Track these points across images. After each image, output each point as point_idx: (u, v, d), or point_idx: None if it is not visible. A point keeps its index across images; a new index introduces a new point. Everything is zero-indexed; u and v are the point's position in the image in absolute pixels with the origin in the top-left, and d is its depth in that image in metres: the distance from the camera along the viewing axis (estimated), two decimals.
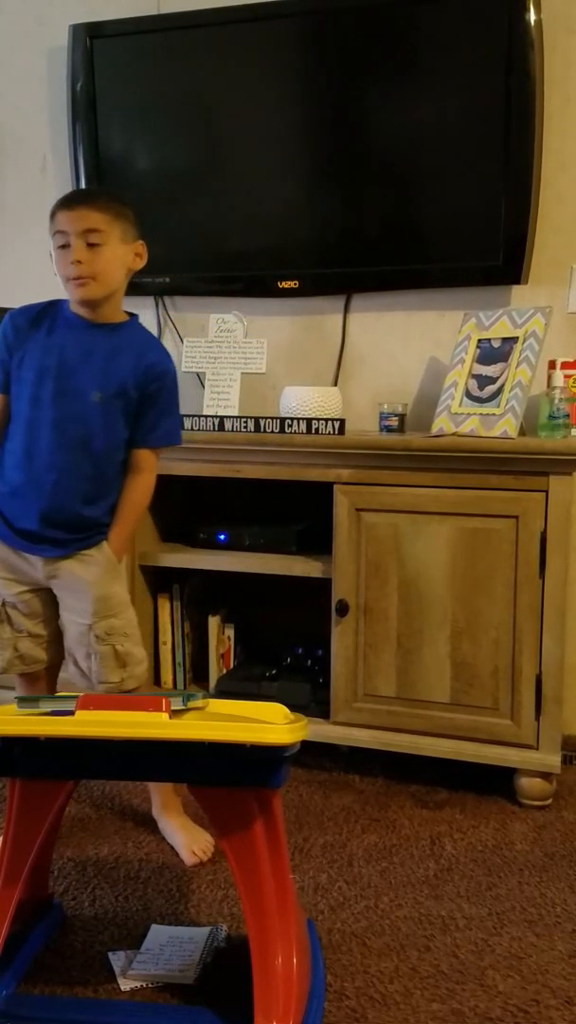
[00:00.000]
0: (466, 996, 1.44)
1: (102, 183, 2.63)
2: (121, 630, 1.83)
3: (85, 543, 1.81)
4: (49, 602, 1.86)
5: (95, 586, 1.80)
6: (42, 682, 1.92)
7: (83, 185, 2.65)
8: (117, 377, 1.77)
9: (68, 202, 1.76)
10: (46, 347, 1.78)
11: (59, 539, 1.79)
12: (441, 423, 2.25)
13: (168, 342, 2.60)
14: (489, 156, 2.30)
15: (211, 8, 2.49)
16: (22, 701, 1.38)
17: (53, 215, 1.75)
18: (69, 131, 2.66)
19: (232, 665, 2.51)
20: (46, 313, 1.82)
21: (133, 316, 1.86)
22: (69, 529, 1.79)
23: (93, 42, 2.58)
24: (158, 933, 1.59)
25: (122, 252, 1.76)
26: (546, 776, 2.09)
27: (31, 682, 1.92)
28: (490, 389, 2.19)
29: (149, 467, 1.85)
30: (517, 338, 2.18)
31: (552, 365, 2.27)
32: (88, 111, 2.62)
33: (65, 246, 1.73)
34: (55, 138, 2.76)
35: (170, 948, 1.55)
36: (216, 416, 2.27)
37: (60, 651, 1.90)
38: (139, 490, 1.85)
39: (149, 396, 1.79)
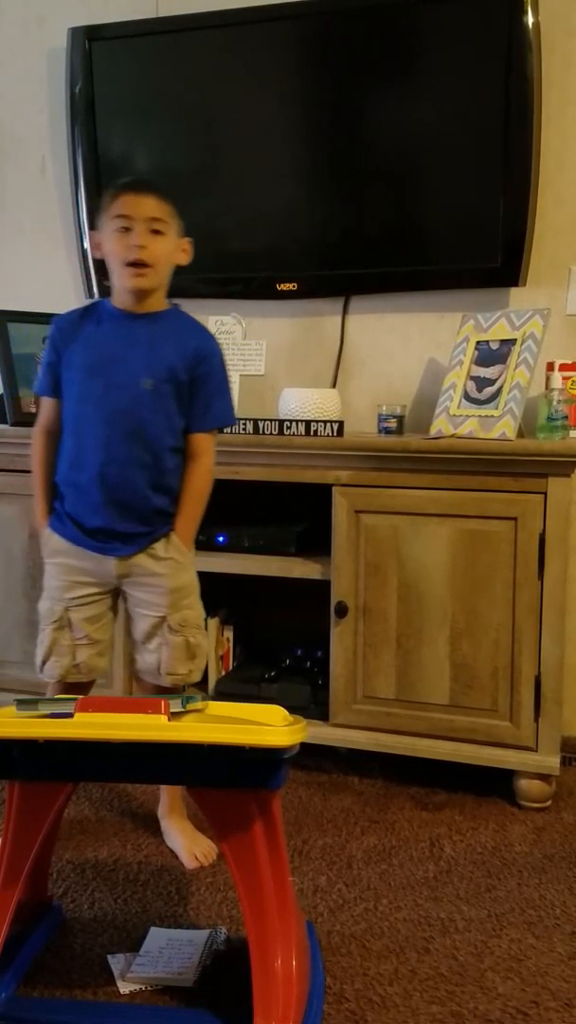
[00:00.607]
0: (465, 998, 1.44)
1: (101, 185, 2.63)
2: (194, 621, 1.84)
3: (154, 536, 1.81)
4: (113, 605, 1.87)
5: (169, 578, 1.81)
6: (86, 690, 1.90)
7: (82, 187, 2.65)
8: (165, 362, 1.77)
9: (134, 188, 1.75)
10: (92, 343, 1.79)
11: (130, 533, 1.78)
12: (440, 425, 2.25)
13: None
14: (488, 158, 2.30)
15: (209, 11, 2.50)
16: (21, 703, 1.38)
17: (114, 198, 1.74)
18: (68, 132, 2.66)
19: (231, 667, 2.51)
20: (89, 313, 1.83)
21: (175, 305, 1.86)
22: (140, 520, 1.79)
23: (92, 44, 2.58)
24: (157, 935, 1.59)
25: (175, 245, 1.79)
26: (545, 778, 2.09)
27: (74, 691, 1.85)
28: (489, 391, 2.19)
29: (206, 451, 1.84)
30: (515, 340, 2.18)
31: (550, 367, 2.27)
32: (87, 113, 2.62)
33: (126, 229, 1.73)
34: (54, 139, 2.76)
35: (169, 950, 1.54)
36: None
37: (109, 659, 1.90)
38: (200, 476, 1.84)
39: (198, 379, 1.80)
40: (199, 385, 1.80)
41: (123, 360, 1.77)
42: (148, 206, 1.72)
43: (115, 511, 1.77)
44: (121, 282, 1.77)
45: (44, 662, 1.84)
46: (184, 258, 1.82)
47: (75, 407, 1.79)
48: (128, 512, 1.78)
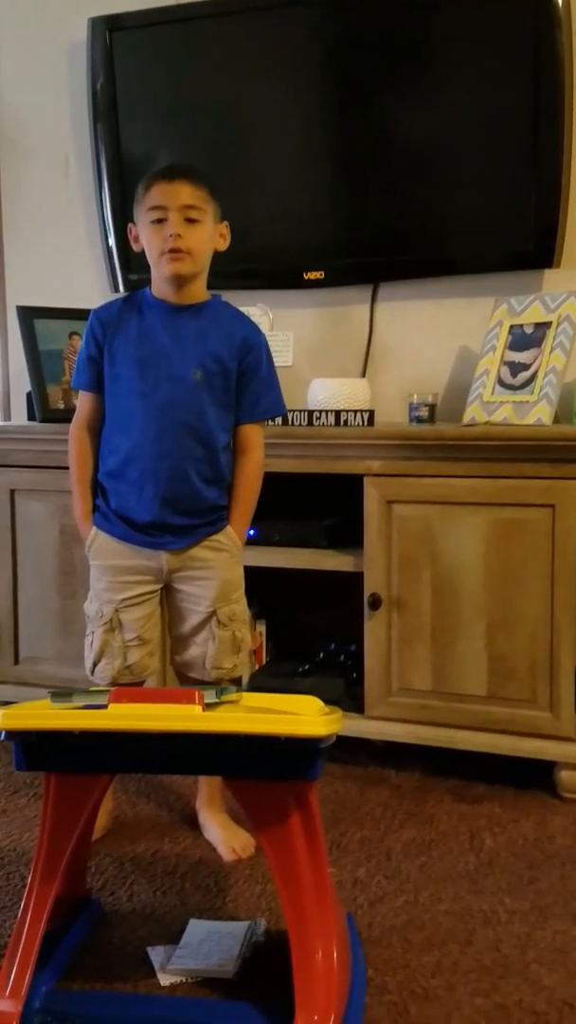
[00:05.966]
0: (510, 990, 1.42)
1: (125, 182, 2.62)
2: (241, 616, 1.84)
3: (211, 528, 1.80)
4: (160, 603, 1.85)
5: (223, 570, 1.80)
6: None
7: (105, 183, 2.65)
8: (214, 354, 1.76)
9: (166, 175, 1.73)
10: (139, 338, 1.77)
11: (182, 526, 1.78)
12: (473, 412, 2.22)
13: None
14: (518, 138, 2.27)
15: None
16: (55, 696, 1.37)
17: (148, 188, 1.72)
18: (91, 129, 2.66)
19: (264, 661, 2.50)
20: (129, 305, 1.81)
21: (216, 295, 1.84)
22: (191, 514, 1.78)
23: (112, 35, 2.58)
24: (197, 928, 1.58)
25: (213, 231, 1.76)
26: None
27: None
28: (523, 376, 2.16)
29: (256, 444, 1.83)
30: (550, 323, 2.14)
31: None
32: (109, 108, 2.62)
33: (161, 220, 1.71)
34: (77, 136, 2.75)
35: (209, 943, 1.53)
36: None
37: (159, 658, 1.89)
38: (252, 469, 1.84)
39: (247, 369, 1.79)
40: (248, 376, 1.79)
41: (173, 353, 1.75)
42: (182, 194, 1.70)
43: (168, 505, 1.76)
44: (159, 270, 1.75)
45: (95, 664, 1.83)
46: (223, 243, 1.80)
47: (124, 401, 1.77)
48: (181, 506, 1.77)
